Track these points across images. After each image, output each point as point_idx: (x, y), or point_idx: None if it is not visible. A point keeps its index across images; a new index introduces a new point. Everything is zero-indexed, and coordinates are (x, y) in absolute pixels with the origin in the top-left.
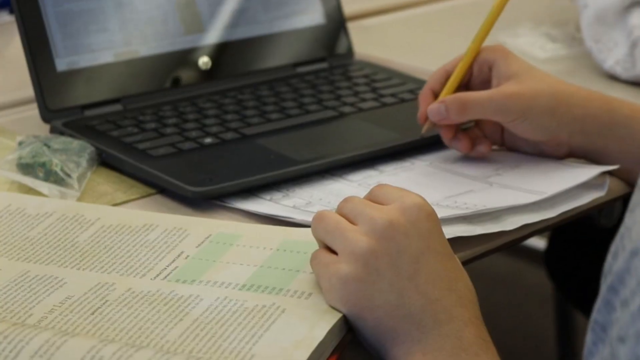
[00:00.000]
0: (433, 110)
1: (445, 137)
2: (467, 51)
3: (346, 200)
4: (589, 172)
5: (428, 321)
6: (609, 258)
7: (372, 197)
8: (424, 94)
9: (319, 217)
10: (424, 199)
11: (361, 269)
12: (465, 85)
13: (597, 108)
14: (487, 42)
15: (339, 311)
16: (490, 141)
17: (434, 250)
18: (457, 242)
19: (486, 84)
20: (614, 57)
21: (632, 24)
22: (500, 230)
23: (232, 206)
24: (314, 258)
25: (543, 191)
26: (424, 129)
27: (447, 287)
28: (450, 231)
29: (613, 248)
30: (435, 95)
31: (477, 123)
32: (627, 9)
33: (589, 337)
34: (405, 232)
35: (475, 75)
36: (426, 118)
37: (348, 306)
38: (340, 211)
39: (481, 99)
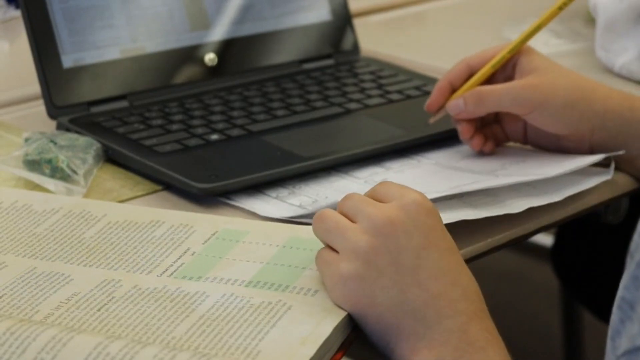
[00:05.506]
0: (451, 105)
1: (463, 136)
2: (498, 58)
3: (346, 197)
4: (594, 157)
5: (432, 316)
6: (636, 237)
7: (374, 194)
8: (441, 86)
9: (319, 217)
10: (424, 196)
11: (362, 266)
12: (488, 82)
13: (618, 105)
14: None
15: (344, 309)
16: (511, 139)
17: (435, 245)
18: (463, 238)
19: (509, 81)
20: (622, 61)
21: None
22: (506, 212)
23: (238, 203)
24: (318, 257)
25: (547, 172)
26: (433, 119)
27: (450, 281)
28: (454, 215)
29: None
30: (453, 89)
31: (499, 120)
32: (638, 18)
33: (615, 316)
34: (405, 229)
35: (498, 73)
36: (437, 108)
37: (350, 304)
38: (340, 209)
39: (498, 90)
